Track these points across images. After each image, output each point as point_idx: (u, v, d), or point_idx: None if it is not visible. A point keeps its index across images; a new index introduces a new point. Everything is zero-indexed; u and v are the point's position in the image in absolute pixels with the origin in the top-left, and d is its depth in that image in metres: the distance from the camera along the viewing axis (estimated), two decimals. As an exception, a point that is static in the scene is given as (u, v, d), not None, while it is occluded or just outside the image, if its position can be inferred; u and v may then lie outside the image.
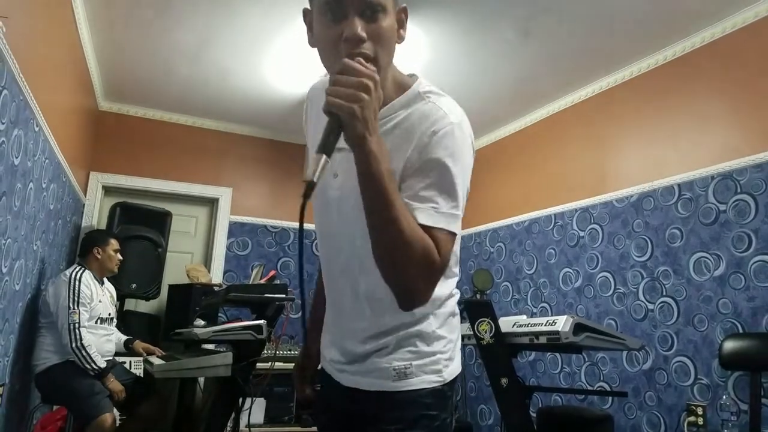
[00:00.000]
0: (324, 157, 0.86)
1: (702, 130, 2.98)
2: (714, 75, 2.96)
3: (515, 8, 2.92)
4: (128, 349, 3.35)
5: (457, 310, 1.20)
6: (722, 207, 2.78)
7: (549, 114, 4.12)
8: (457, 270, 1.18)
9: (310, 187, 0.86)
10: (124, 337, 3.40)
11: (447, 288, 1.14)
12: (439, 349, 1.10)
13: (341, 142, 0.88)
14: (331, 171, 1.08)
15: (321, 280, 1.29)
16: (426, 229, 0.94)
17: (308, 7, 1.06)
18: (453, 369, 1.14)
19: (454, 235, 0.99)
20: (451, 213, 0.98)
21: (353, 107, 0.85)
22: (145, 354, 3.34)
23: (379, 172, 0.89)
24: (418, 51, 3.40)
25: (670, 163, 3.11)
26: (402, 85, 1.09)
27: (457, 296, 1.20)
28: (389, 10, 0.99)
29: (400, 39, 1.04)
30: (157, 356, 3.35)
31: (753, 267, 2.60)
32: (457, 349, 1.18)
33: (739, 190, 2.72)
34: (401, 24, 1.05)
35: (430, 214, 0.95)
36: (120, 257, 3.32)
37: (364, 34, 0.94)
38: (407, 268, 0.93)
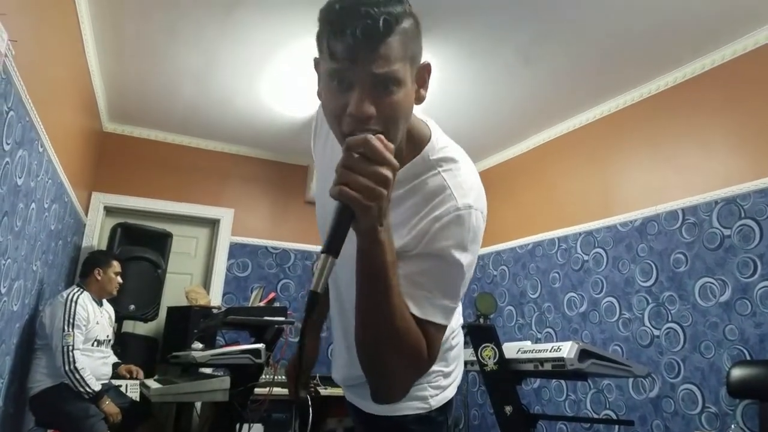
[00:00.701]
0: (330, 258, 0.74)
1: (705, 155, 2.97)
2: (717, 100, 2.96)
3: (519, 33, 2.94)
4: (114, 373, 3.29)
5: (457, 342, 1.21)
6: (726, 232, 2.76)
7: (553, 137, 4.13)
8: (459, 306, 1.12)
9: (313, 300, 0.74)
10: (115, 360, 3.34)
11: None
12: (426, 379, 1.09)
13: None
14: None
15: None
16: (417, 320, 0.84)
17: (317, 56, 0.95)
18: (442, 396, 1.12)
19: (446, 327, 0.91)
20: (447, 306, 0.89)
21: (371, 205, 0.72)
22: (128, 375, 3.27)
23: (384, 265, 0.79)
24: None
25: (673, 188, 3.10)
26: (415, 139, 0.97)
27: (458, 332, 1.20)
28: (404, 80, 0.85)
29: (420, 100, 0.91)
30: (137, 377, 3.30)
31: (759, 293, 2.57)
32: (453, 377, 1.18)
33: (743, 215, 2.70)
34: (422, 83, 0.92)
35: (423, 305, 0.86)
36: (120, 280, 3.29)
37: (372, 111, 0.81)
38: (392, 368, 0.83)
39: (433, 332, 0.86)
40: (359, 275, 0.81)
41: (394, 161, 0.75)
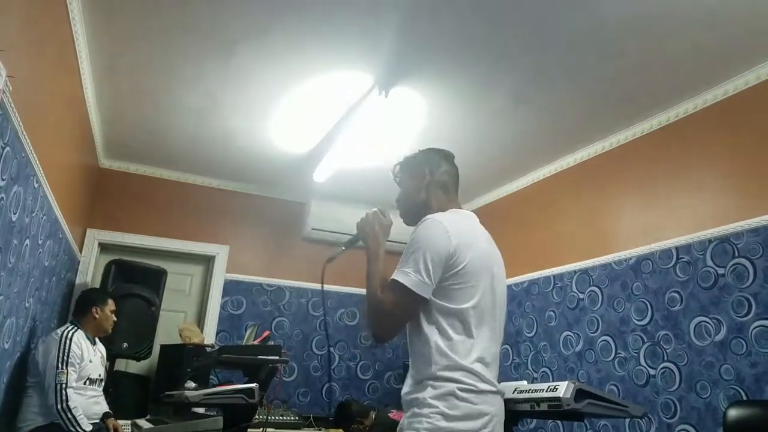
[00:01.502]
0: (343, 248, 1.84)
1: (698, 194, 3.01)
2: (709, 139, 3.02)
3: (511, 75, 3.01)
4: (102, 423, 3.19)
5: (469, 397, 1.42)
6: (721, 270, 2.78)
7: (547, 176, 4.18)
8: (448, 344, 1.46)
9: (329, 260, 1.84)
10: (105, 409, 3.25)
11: (443, 361, 1.45)
12: (426, 413, 1.40)
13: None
14: None
15: None
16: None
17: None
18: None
19: (396, 281, 1.47)
20: (400, 269, 1.49)
21: (368, 241, 1.70)
22: (112, 430, 3.16)
23: (369, 269, 1.62)
24: (419, 114, 3.49)
25: (667, 226, 3.13)
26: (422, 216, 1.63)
27: (464, 380, 1.43)
28: (402, 179, 1.80)
29: (419, 189, 1.75)
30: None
31: (754, 332, 2.57)
32: (451, 426, 1.38)
33: (736, 254, 2.73)
34: (420, 179, 1.74)
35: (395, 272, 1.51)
36: (114, 318, 3.26)
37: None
38: (368, 311, 1.56)
39: (389, 283, 1.50)
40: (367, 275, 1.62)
41: (386, 223, 1.75)
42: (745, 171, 2.80)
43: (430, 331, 1.47)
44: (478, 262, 1.53)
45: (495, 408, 1.49)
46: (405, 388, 1.52)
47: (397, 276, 1.48)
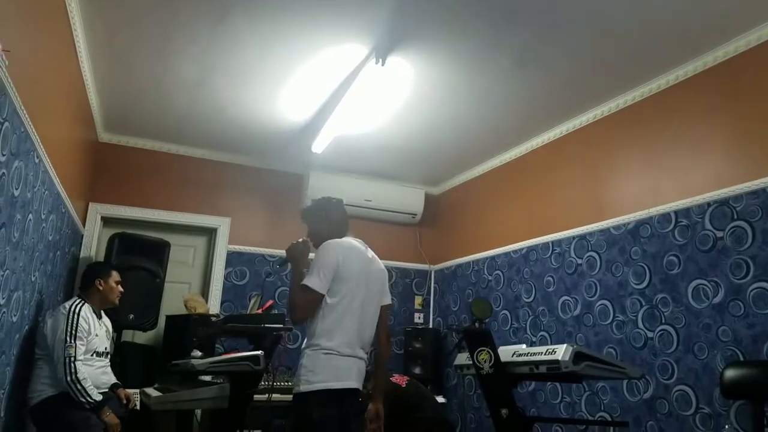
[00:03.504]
0: (278, 266, 2.91)
1: (697, 157, 3.01)
2: (709, 102, 3.00)
3: (509, 39, 2.98)
4: (112, 392, 3.25)
5: (321, 355, 2.24)
6: (719, 234, 2.80)
7: (545, 142, 4.17)
8: (320, 326, 2.28)
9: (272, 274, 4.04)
10: (113, 381, 3.31)
11: (312, 336, 2.29)
12: (301, 372, 2.23)
13: None
14: None
15: None
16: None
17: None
18: (304, 386, 2.20)
19: (305, 286, 2.24)
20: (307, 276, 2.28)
21: (296, 261, 2.46)
22: (124, 400, 3.24)
23: (293, 279, 2.37)
24: (417, 82, 3.46)
25: (666, 191, 3.13)
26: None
27: (320, 345, 2.25)
28: (311, 221, 2.60)
29: (328, 224, 2.53)
30: (130, 406, 3.26)
31: (752, 294, 2.60)
32: (314, 375, 2.20)
33: (735, 217, 2.74)
34: (320, 220, 2.56)
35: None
36: (121, 289, 3.30)
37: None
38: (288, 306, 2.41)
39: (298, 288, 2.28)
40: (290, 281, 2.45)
41: (305, 245, 2.51)
42: (746, 133, 2.79)
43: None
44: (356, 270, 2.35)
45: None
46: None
47: (306, 281, 2.26)
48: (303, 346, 2.30)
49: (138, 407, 3.37)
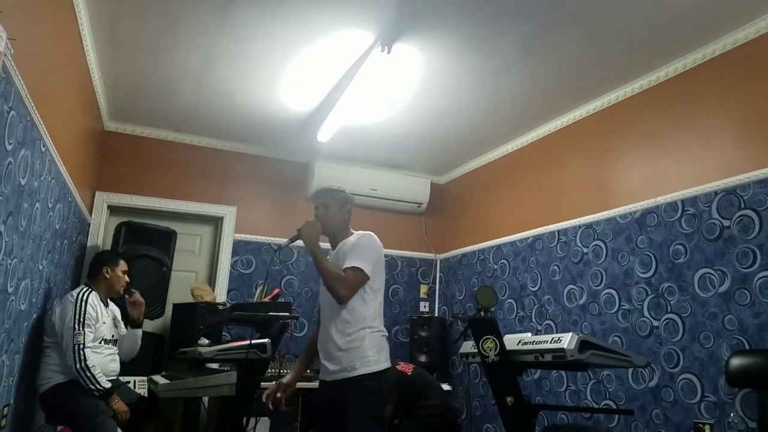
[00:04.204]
0: (286, 242, 2.64)
1: (705, 146, 2.99)
2: (716, 91, 2.97)
3: (516, 27, 2.95)
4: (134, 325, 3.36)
5: (379, 336, 2.38)
6: (726, 223, 2.78)
7: (553, 130, 4.14)
8: (369, 309, 2.38)
9: (278, 249, 2.85)
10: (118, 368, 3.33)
11: (363, 318, 2.35)
12: (367, 353, 2.30)
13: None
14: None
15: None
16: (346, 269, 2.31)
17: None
18: (375, 366, 2.30)
19: (357, 269, 2.29)
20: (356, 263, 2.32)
21: (312, 240, 2.39)
22: (138, 300, 3.33)
23: (319, 256, 2.34)
24: (422, 70, 3.44)
25: (673, 179, 3.12)
26: (347, 232, 2.52)
27: (375, 327, 2.39)
28: (330, 206, 2.51)
29: (343, 216, 2.54)
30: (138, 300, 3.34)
31: (758, 283, 2.59)
32: (379, 354, 2.33)
33: (742, 206, 2.72)
34: (343, 209, 2.54)
35: (349, 264, 2.31)
36: (127, 279, 3.32)
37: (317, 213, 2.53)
38: (331, 283, 2.29)
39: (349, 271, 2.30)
40: (313, 256, 2.35)
41: (318, 225, 2.48)
42: (754, 122, 2.76)
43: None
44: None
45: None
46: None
47: (358, 265, 2.31)
48: (350, 329, 2.30)
49: (146, 394, 3.41)
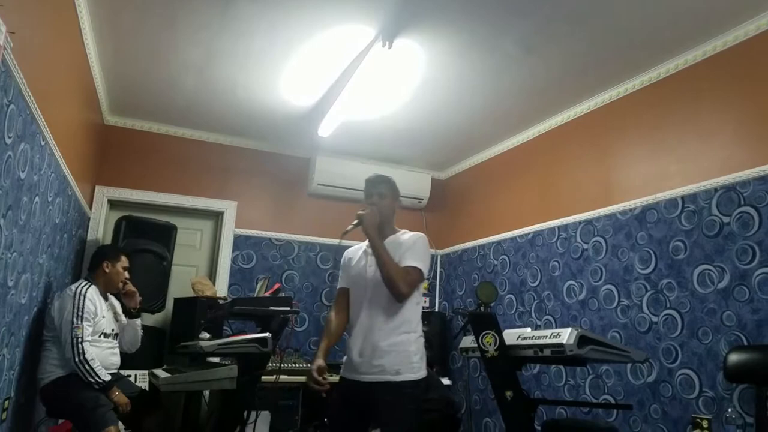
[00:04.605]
0: (349, 228, 2.40)
1: (705, 143, 2.99)
2: (717, 88, 2.97)
3: (521, 22, 2.95)
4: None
5: (422, 342, 2.34)
6: (726, 219, 2.79)
7: (553, 126, 4.14)
8: (416, 314, 2.34)
9: (343, 234, 2.42)
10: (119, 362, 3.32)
11: (410, 322, 2.31)
12: (413, 359, 2.25)
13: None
14: (367, 264, 2.36)
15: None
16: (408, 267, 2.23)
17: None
18: (420, 373, 2.25)
19: (418, 269, 2.24)
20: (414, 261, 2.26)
21: (371, 230, 2.27)
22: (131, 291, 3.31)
23: (382, 246, 2.25)
24: (423, 65, 3.43)
25: (673, 176, 3.12)
26: (394, 229, 2.43)
27: (420, 332, 2.35)
28: (386, 195, 2.41)
29: (395, 208, 2.45)
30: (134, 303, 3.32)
31: (757, 279, 2.60)
32: (423, 361, 2.30)
33: (742, 203, 2.73)
34: (396, 202, 2.46)
35: (410, 263, 2.24)
36: (127, 275, 3.31)
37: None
38: (395, 279, 2.19)
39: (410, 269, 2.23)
40: (373, 246, 2.26)
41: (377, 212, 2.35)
42: (754, 119, 2.77)
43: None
44: None
45: None
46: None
47: (419, 266, 2.26)
48: (398, 330, 2.21)
49: (147, 388, 3.42)
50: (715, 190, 2.86)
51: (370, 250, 2.33)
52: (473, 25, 2.99)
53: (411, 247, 2.28)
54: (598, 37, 3.03)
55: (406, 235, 2.36)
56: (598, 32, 2.99)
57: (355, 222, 2.33)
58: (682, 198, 3.03)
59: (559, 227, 3.91)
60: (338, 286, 2.48)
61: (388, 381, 2.14)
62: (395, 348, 2.18)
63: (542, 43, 3.13)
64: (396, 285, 2.17)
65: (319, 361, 2.23)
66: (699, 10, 2.75)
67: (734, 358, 2.53)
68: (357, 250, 2.47)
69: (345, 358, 2.33)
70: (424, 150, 5.03)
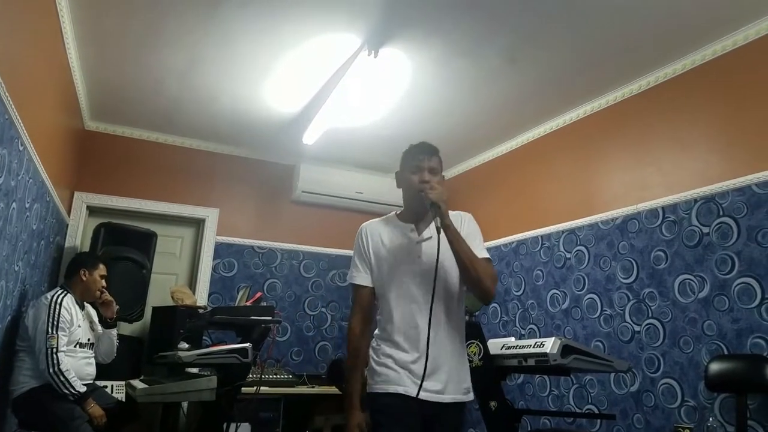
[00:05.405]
0: (436, 216, 1.76)
1: (685, 154, 3.03)
2: (696, 101, 3.02)
3: (500, 35, 2.97)
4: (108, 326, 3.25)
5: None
6: (705, 230, 2.82)
7: (537, 137, 4.17)
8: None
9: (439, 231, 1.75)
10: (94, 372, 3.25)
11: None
12: (469, 378, 1.94)
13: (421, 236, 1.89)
14: (416, 254, 1.86)
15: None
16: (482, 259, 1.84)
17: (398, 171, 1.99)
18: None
19: (489, 261, 1.89)
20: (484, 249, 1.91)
21: (443, 199, 1.79)
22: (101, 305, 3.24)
23: (455, 230, 1.79)
24: (409, 74, 3.44)
25: (653, 186, 3.15)
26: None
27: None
28: (439, 171, 1.95)
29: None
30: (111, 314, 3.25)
31: (736, 289, 2.63)
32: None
33: (721, 213, 2.76)
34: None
35: (482, 254, 1.86)
36: (104, 284, 3.25)
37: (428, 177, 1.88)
38: (483, 277, 1.79)
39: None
40: (452, 235, 1.77)
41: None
42: (731, 132, 2.81)
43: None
44: None
45: None
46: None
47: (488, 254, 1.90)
48: (462, 341, 1.90)
49: (123, 399, 3.34)
50: (695, 200, 2.90)
51: (416, 234, 1.87)
52: (458, 35, 3.00)
53: (472, 232, 1.89)
54: (580, 50, 3.07)
55: (462, 216, 1.95)
56: (579, 45, 3.02)
57: (434, 210, 1.77)
58: (663, 208, 3.07)
59: (542, 236, 3.93)
60: (357, 282, 1.90)
61: (459, 401, 1.80)
62: (463, 362, 1.86)
63: (526, 54, 3.16)
64: (483, 282, 1.77)
65: (358, 416, 1.76)
66: (678, 26, 2.80)
67: (715, 367, 2.55)
68: (384, 228, 1.93)
69: (378, 367, 1.81)
70: (409, 159, 5.03)
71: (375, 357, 1.83)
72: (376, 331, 1.90)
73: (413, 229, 1.89)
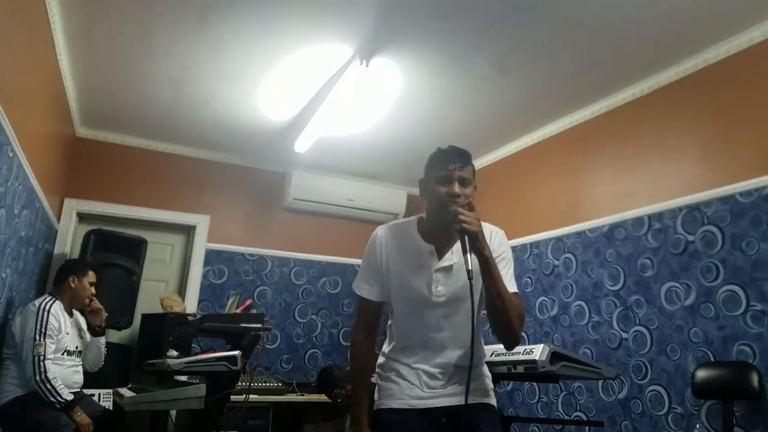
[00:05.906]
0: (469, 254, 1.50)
1: (669, 163, 3.08)
2: (681, 111, 3.07)
3: (490, 45, 3.01)
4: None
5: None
6: (690, 238, 2.86)
7: (524, 146, 4.21)
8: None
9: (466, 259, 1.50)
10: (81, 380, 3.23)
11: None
12: (492, 386, 1.79)
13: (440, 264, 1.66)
14: (436, 283, 1.65)
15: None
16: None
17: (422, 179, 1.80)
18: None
19: (517, 295, 1.63)
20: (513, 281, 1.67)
21: (479, 229, 1.52)
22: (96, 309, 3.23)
23: (495, 265, 1.55)
24: (400, 83, 3.47)
25: (639, 195, 3.19)
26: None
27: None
28: (472, 183, 1.68)
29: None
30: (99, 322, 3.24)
31: (722, 297, 2.67)
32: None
33: (706, 222, 2.80)
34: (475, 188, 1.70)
35: (512, 288, 1.62)
36: (93, 291, 3.23)
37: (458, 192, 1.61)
38: (515, 320, 1.55)
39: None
40: (490, 271, 1.53)
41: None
42: (716, 142, 2.86)
43: None
44: None
45: None
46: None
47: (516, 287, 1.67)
48: (482, 356, 1.76)
49: (111, 407, 3.32)
50: (680, 209, 2.94)
51: (436, 260, 1.66)
52: (449, 45, 3.04)
53: (504, 258, 1.66)
54: (569, 60, 3.11)
55: (495, 233, 1.72)
56: (568, 56, 3.07)
57: (462, 237, 1.53)
58: (649, 217, 3.10)
59: (531, 243, 3.96)
60: (363, 296, 1.74)
61: (482, 402, 1.69)
62: (481, 367, 1.75)
63: (515, 64, 3.20)
64: (514, 329, 1.56)
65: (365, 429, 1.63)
66: (663, 37, 2.85)
67: (702, 374, 2.58)
68: (402, 241, 1.73)
69: (383, 383, 1.71)
70: (400, 166, 5.06)
71: (382, 372, 1.71)
72: (385, 346, 1.75)
73: (433, 252, 1.66)
